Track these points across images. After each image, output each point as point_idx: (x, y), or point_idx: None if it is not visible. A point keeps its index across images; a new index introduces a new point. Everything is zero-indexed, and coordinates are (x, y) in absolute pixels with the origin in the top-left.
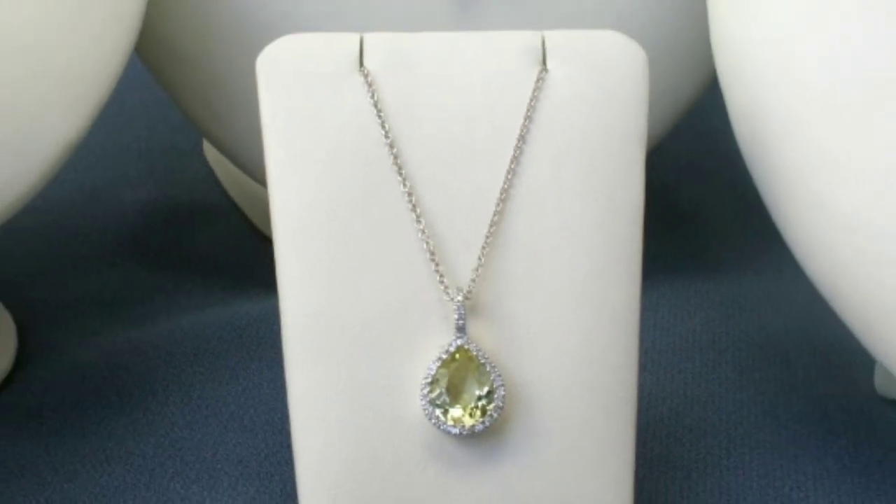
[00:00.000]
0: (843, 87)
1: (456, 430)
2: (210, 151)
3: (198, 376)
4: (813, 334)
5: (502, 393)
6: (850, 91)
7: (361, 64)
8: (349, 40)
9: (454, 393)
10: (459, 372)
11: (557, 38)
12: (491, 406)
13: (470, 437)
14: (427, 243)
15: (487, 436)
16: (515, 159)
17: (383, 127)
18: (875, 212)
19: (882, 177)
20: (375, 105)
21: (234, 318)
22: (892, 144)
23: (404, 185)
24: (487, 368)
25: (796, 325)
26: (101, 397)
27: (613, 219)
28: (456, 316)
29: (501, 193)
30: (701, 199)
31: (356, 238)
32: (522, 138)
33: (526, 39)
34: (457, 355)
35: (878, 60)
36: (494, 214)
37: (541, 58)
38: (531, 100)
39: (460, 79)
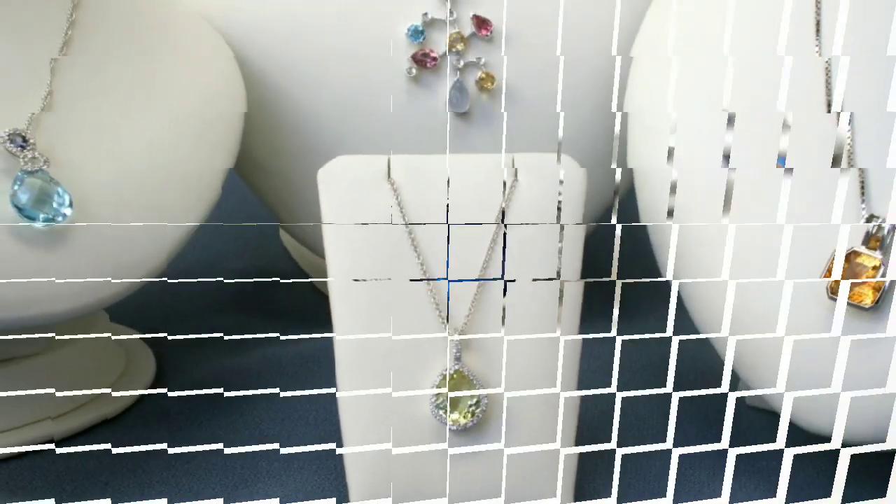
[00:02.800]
0: (714, 193)
1: (454, 426)
2: (285, 235)
3: (278, 387)
4: (698, 361)
5: (485, 401)
6: (719, 195)
7: (389, 176)
8: (381, 160)
9: (453, 401)
10: (456, 386)
11: (524, 158)
12: (478, 410)
13: (463, 431)
14: (434, 298)
15: (475, 430)
16: (494, 240)
17: (404, 219)
18: (741, 277)
19: (743, 252)
20: (399, 203)
21: (303, 349)
22: (749, 230)
23: (419, 258)
24: (475, 384)
25: (687, 355)
26: (212, 402)
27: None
28: (454, 349)
29: (484, 264)
30: (620, 267)
31: (385, 295)
32: (499, 226)
33: (502, 159)
34: (454, 375)
35: (736, 176)
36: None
37: (513, 172)
38: (505, 200)
39: (457, 185)
